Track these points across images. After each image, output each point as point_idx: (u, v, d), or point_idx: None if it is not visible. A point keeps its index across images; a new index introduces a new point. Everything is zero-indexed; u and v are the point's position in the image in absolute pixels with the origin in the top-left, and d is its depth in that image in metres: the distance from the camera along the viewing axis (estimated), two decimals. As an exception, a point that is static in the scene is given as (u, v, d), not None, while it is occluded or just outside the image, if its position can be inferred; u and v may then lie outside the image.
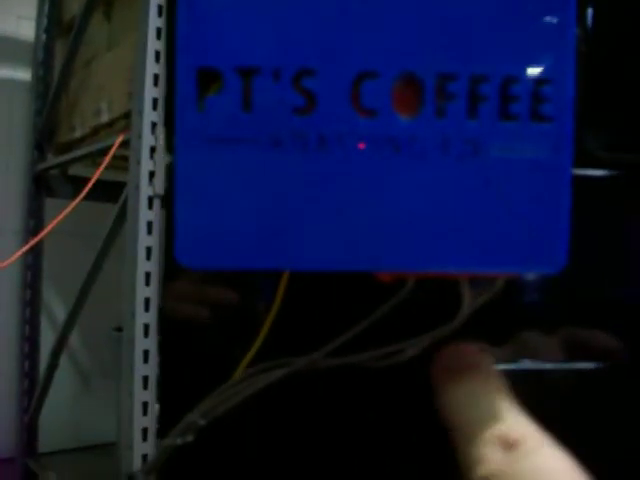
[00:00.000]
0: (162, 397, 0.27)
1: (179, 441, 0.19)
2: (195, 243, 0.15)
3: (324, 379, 0.19)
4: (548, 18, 0.15)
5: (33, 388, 1.76)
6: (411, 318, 0.19)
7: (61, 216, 1.53)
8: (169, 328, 0.20)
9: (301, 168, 0.15)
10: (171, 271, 0.19)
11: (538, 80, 0.15)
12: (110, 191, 1.55)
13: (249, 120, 0.15)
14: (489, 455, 0.18)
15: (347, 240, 0.15)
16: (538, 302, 0.19)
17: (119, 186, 1.46)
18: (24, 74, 1.99)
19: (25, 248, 1.61)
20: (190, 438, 0.19)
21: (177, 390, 0.19)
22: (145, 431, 1.30)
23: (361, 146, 0.16)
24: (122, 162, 1.51)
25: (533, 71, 0.15)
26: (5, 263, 1.48)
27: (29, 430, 1.76)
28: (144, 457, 1.31)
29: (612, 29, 0.15)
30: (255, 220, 0.15)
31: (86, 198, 1.55)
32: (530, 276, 0.17)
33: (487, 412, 0.18)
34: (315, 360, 0.19)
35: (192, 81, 0.15)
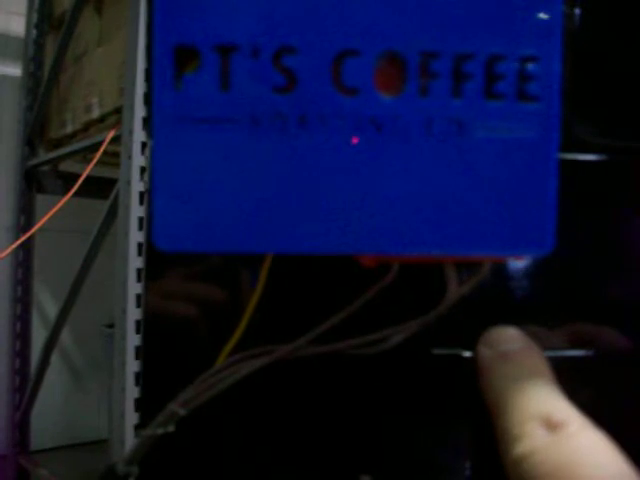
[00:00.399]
0: (144, 389, 0.26)
1: (159, 431, 0.18)
2: (173, 226, 0.15)
3: (308, 368, 0.19)
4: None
5: (24, 385, 1.75)
6: (396, 304, 0.18)
7: (51, 212, 1.52)
8: (154, 324, 0.19)
9: (281, 148, 0.15)
10: (156, 268, 0.18)
11: (524, 58, 0.15)
12: (101, 187, 1.54)
13: (227, 99, 0.15)
14: (531, 433, 0.17)
15: (329, 222, 0.15)
16: (529, 290, 0.18)
17: (110, 182, 1.45)
18: (14, 70, 1.98)
19: (15, 244, 1.60)
20: (171, 428, 0.18)
21: (160, 382, 0.18)
22: (137, 427, 1.30)
23: (354, 140, 0.15)
24: (113, 158, 1.50)
25: (519, 49, 0.15)
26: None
27: (21, 427, 1.75)
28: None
29: (603, 8, 0.15)
30: (234, 202, 0.15)
31: (77, 194, 1.54)
32: (517, 261, 0.17)
33: (532, 393, 0.18)
34: (298, 348, 0.18)
35: (169, 59, 0.14)
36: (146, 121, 1.33)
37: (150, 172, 0.15)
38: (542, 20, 0.14)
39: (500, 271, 0.19)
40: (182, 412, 0.18)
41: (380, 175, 0.15)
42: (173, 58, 0.14)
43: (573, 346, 0.20)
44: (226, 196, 0.15)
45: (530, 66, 0.15)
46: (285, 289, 0.19)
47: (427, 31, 0.14)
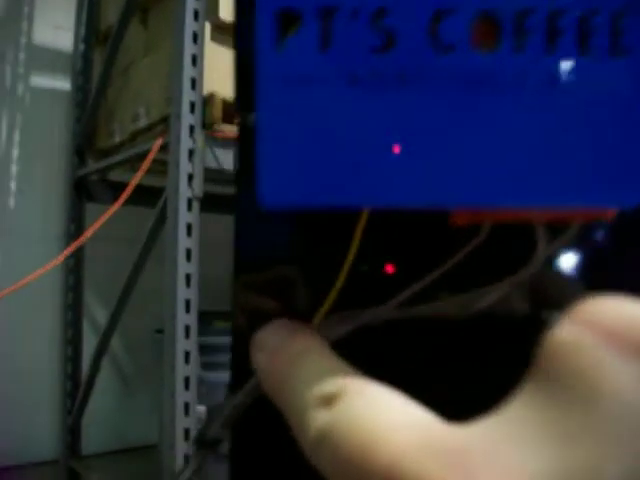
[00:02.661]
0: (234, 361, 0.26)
1: (251, 396, 0.19)
2: (278, 184, 0.15)
3: (395, 333, 0.19)
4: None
5: (76, 390, 1.79)
6: (484, 267, 0.19)
7: (101, 220, 1.55)
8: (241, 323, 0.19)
9: (379, 105, 0.15)
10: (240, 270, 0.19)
11: (617, 12, 0.15)
12: (149, 196, 1.57)
13: (328, 60, 0.15)
14: (313, 419, 0.16)
15: (426, 176, 0.15)
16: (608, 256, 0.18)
17: (158, 191, 1.48)
18: (62, 83, 2.03)
19: (65, 252, 1.64)
20: (259, 394, 0.19)
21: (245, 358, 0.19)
22: (187, 431, 1.32)
23: (452, 95, 0.15)
24: (160, 166, 1.53)
25: (611, 3, 0.15)
26: (46, 267, 1.51)
27: (72, 432, 1.79)
28: (186, 457, 1.32)
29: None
30: (335, 159, 0.15)
31: (126, 203, 1.57)
32: (606, 219, 0.17)
33: (304, 382, 0.17)
34: (385, 311, 0.19)
35: (272, 23, 0.15)
36: (193, 129, 1.36)
37: (256, 133, 0.15)
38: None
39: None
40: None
41: (476, 128, 0.15)
42: (275, 22, 0.15)
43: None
44: (327, 153, 0.15)
45: (624, 20, 0.15)
46: (373, 251, 0.19)
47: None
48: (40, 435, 2.07)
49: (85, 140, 1.83)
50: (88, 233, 1.66)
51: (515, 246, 0.18)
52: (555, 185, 0.15)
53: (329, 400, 0.16)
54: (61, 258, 1.62)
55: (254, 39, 0.16)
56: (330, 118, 0.15)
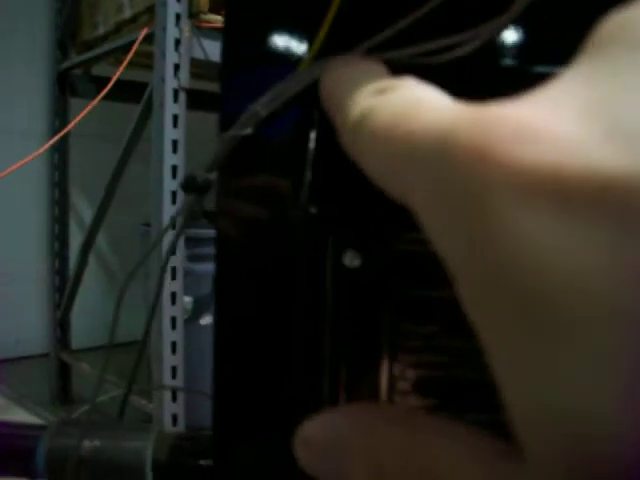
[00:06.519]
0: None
1: (240, 133, 0.20)
2: None
3: None
4: None
5: (64, 285, 1.81)
6: (461, 12, 0.19)
7: (82, 113, 1.53)
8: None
9: None
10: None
11: None
12: (135, 91, 1.55)
13: None
14: (359, 104, 0.16)
15: None
16: None
17: (144, 87, 1.45)
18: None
19: (46, 146, 1.62)
20: (250, 131, 0.20)
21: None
22: (174, 319, 1.35)
23: None
24: (146, 59, 1.50)
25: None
26: (26, 159, 1.49)
27: (62, 325, 1.82)
28: (173, 344, 1.36)
29: None
30: None
31: (111, 98, 1.55)
32: None
33: (364, 82, 0.16)
34: (360, 51, 0.19)
35: None
36: (179, 17, 1.32)
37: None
38: None
39: None
40: (263, 113, 0.19)
41: None
42: None
43: None
44: None
45: None
46: None
47: None
48: (31, 330, 2.12)
49: (68, 32, 1.78)
50: (69, 127, 1.64)
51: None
52: None
53: (381, 91, 0.16)
54: (41, 151, 1.60)
55: None
56: None
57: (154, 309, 0.27)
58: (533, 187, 0.11)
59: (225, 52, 0.21)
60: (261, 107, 0.20)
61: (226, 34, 0.21)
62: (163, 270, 0.27)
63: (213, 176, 0.21)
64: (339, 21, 0.20)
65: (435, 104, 0.14)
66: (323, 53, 0.20)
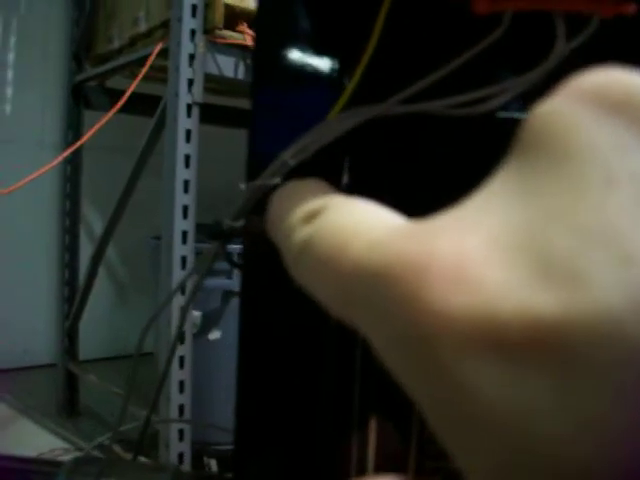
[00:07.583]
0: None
1: (268, 182, 0.20)
2: None
3: (405, 127, 0.19)
4: None
5: (73, 296, 1.81)
6: (497, 64, 0.19)
7: (96, 126, 1.54)
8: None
9: None
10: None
11: None
12: (149, 104, 1.55)
13: None
14: (297, 235, 0.16)
15: None
16: None
17: (157, 99, 1.46)
18: (60, -14, 1.98)
19: (60, 158, 1.63)
20: (279, 180, 0.19)
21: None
22: (182, 335, 1.35)
23: None
24: (160, 73, 1.51)
25: None
26: (39, 171, 1.50)
27: (70, 336, 1.82)
28: (181, 358, 1.36)
29: None
30: None
31: (125, 111, 1.56)
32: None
33: (293, 206, 0.17)
34: (391, 106, 0.19)
35: None
36: (194, 33, 1.33)
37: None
38: None
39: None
40: (292, 163, 0.19)
41: None
42: None
43: None
44: None
45: None
46: (390, 41, 0.19)
47: None
48: (39, 340, 2.12)
49: (83, 45, 1.79)
50: (83, 139, 1.65)
51: (532, 43, 0.18)
52: None
53: (312, 216, 0.16)
54: (55, 163, 1.61)
55: None
56: None
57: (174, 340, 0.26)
58: (470, 334, 0.11)
59: (254, 94, 0.21)
60: (290, 157, 0.20)
61: (255, 74, 0.21)
62: (185, 312, 0.26)
63: (239, 224, 0.21)
64: (369, 71, 0.20)
65: (363, 230, 0.14)
66: (352, 102, 0.20)
